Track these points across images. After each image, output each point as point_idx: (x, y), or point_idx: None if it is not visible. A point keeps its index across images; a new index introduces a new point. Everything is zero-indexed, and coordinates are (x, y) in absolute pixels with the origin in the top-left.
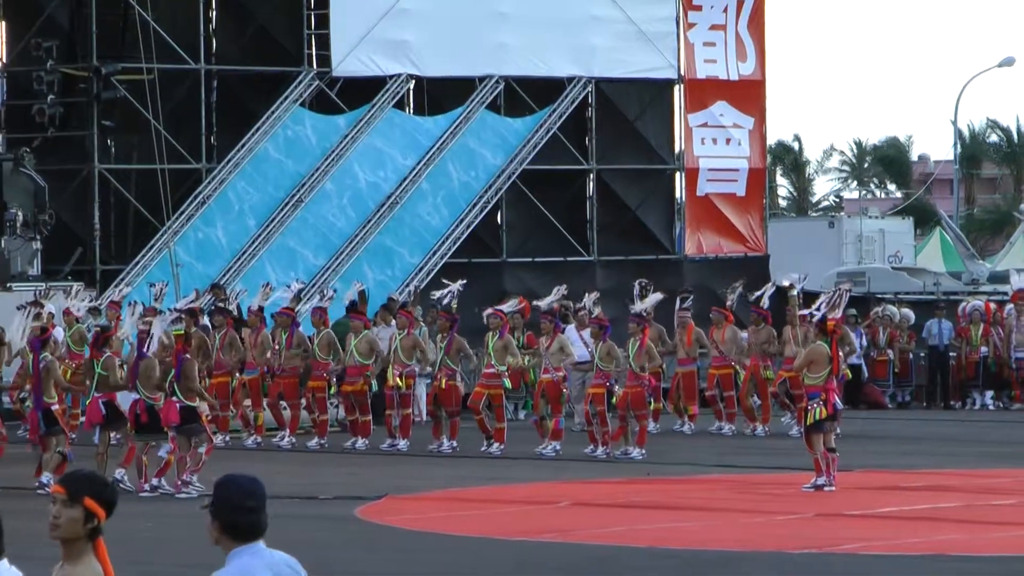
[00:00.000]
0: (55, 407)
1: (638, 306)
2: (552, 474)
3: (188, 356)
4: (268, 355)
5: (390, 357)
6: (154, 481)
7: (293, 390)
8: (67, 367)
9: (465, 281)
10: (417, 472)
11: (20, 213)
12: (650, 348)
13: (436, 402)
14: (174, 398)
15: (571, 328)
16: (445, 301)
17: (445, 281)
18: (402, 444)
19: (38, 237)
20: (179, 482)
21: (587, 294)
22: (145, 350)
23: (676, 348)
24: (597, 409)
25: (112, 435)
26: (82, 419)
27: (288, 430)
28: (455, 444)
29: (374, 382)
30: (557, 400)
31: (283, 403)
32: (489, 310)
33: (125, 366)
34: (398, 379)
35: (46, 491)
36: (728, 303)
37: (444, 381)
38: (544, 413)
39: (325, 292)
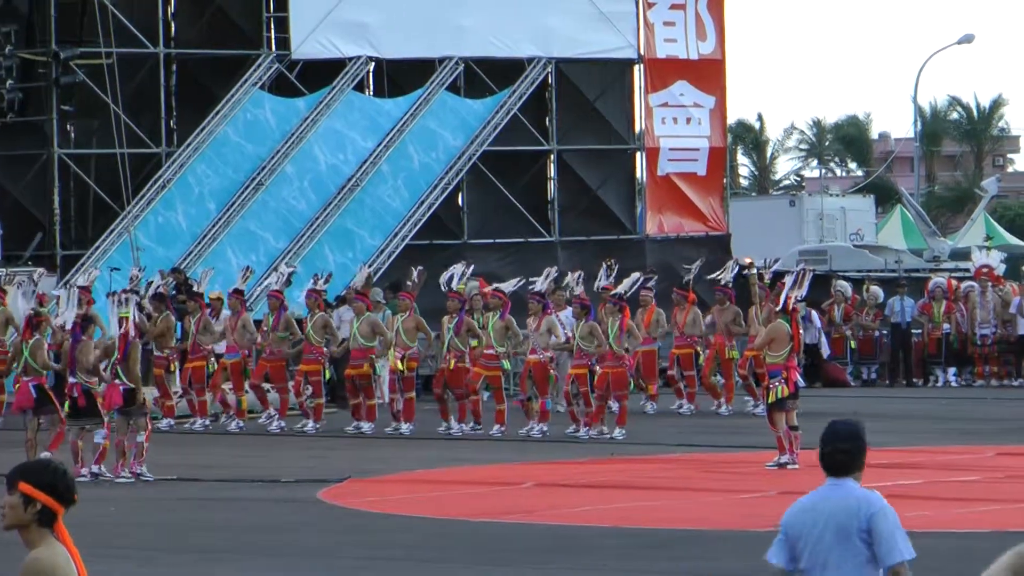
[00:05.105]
0: None
1: (620, 287)
2: (516, 455)
3: (134, 339)
4: (258, 337)
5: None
6: (94, 468)
7: (279, 373)
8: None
9: (472, 265)
10: (381, 455)
11: None
12: (631, 328)
13: (445, 384)
14: (117, 380)
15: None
16: (454, 284)
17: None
18: (405, 428)
19: None
20: (120, 468)
21: (570, 273)
22: (125, 332)
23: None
24: (580, 389)
25: (41, 420)
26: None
27: (278, 413)
28: (463, 426)
29: (378, 365)
30: (544, 381)
31: (267, 385)
32: (487, 289)
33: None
34: (399, 362)
35: None
36: (685, 280)
37: (453, 363)
38: (531, 394)
39: (321, 274)
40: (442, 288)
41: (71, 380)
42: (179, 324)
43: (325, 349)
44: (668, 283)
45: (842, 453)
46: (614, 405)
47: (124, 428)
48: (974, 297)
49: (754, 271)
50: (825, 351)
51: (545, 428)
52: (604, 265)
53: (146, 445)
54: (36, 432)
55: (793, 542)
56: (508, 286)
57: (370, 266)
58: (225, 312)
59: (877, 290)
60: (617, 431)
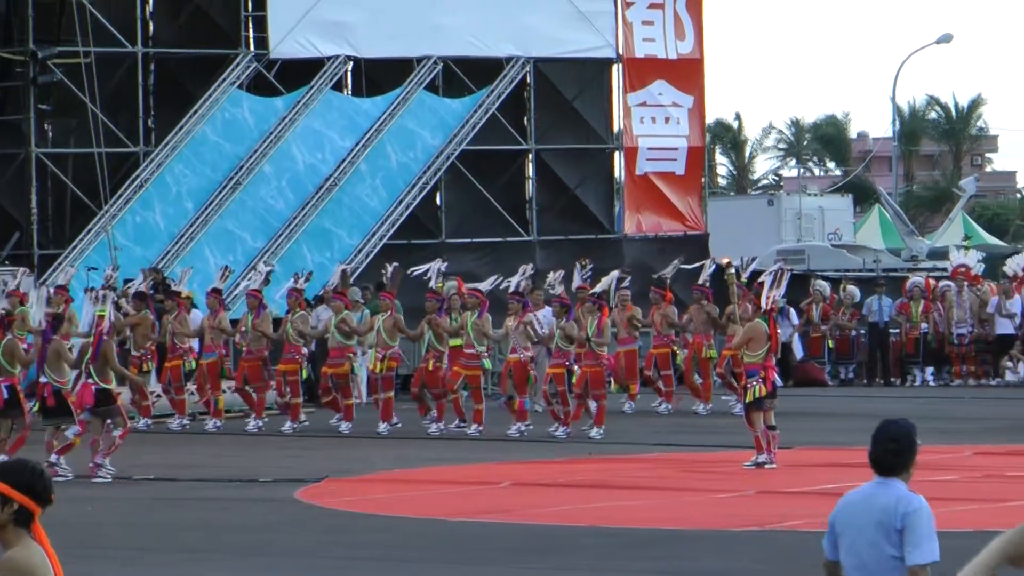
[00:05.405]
0: None
1: (597, 287)
2: (494, 455)
3: (107, 338)
4: (237, 336)
5: (373, 339)
6: (52, 458)
7: (257, 373)
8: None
9: (447, 262)
10: (358, 455)
11: None
12: (604, 328)
13: (423, 384)
14: (89, 380)
15: None
16: (432, 283)
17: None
18: (382, 428)
19: None
20: (92, 465)
21: (552, 272)
22: (100, 331)
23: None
24: (558, 389)
25: (14, 422)
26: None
27: (255, 413)
28: (442, 426)
29: (355, 365)
30: (523, 381)
31: (248, 386)
32: (464, 288)
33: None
34: (380, 362)
35: None
36: (657, 276)
37: (432, 363)
38: (511, 393)
39: (301, 273)
40: (409, 275)
41: (42, 380)
42: (158, 323)
43: (304, 349)
44: (647, 283)
45: (890, 453)
46: (592, 405)
47: (99, 428)
48: (951, 297)
49: (731, 271)
50: (798, 352)
51: (523, 427)
52: (578, 265)
53: (119, 442)
54: (9, 432)
55: (837, 536)
56: (485, 285)
57: (348, 264)
58: (196, 311)
59: (853, 289)
60: (595, 431)
